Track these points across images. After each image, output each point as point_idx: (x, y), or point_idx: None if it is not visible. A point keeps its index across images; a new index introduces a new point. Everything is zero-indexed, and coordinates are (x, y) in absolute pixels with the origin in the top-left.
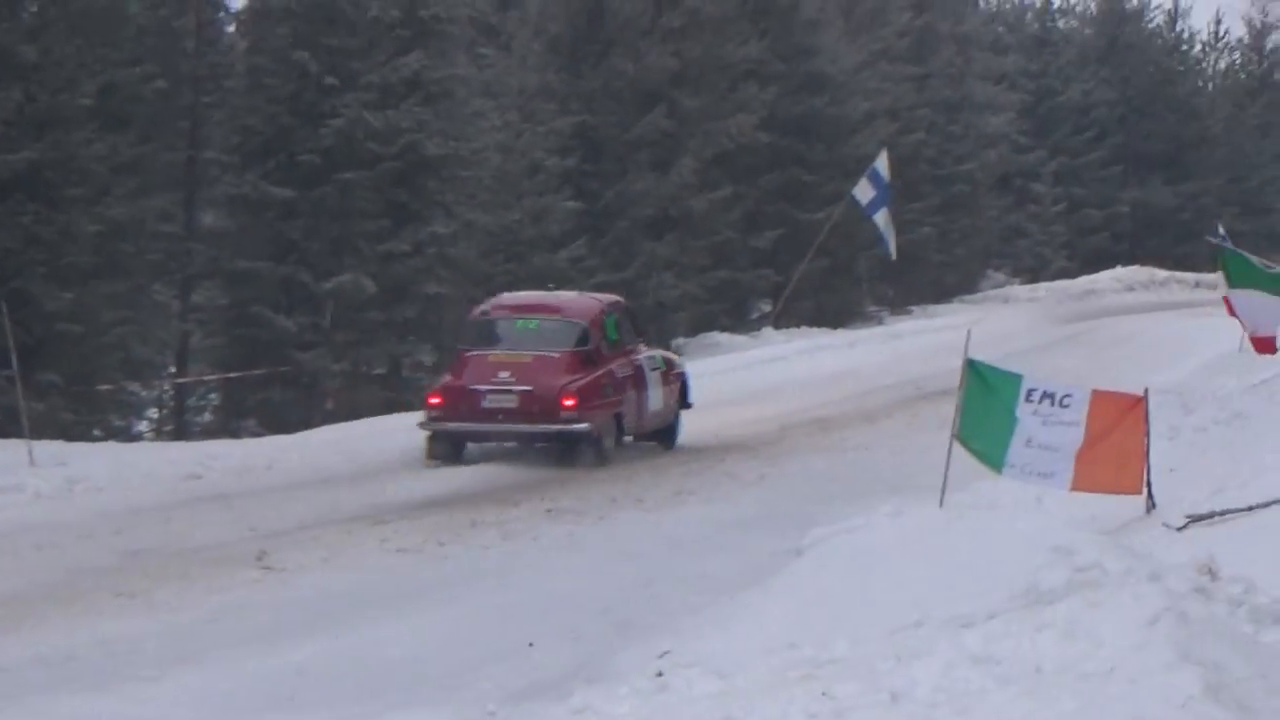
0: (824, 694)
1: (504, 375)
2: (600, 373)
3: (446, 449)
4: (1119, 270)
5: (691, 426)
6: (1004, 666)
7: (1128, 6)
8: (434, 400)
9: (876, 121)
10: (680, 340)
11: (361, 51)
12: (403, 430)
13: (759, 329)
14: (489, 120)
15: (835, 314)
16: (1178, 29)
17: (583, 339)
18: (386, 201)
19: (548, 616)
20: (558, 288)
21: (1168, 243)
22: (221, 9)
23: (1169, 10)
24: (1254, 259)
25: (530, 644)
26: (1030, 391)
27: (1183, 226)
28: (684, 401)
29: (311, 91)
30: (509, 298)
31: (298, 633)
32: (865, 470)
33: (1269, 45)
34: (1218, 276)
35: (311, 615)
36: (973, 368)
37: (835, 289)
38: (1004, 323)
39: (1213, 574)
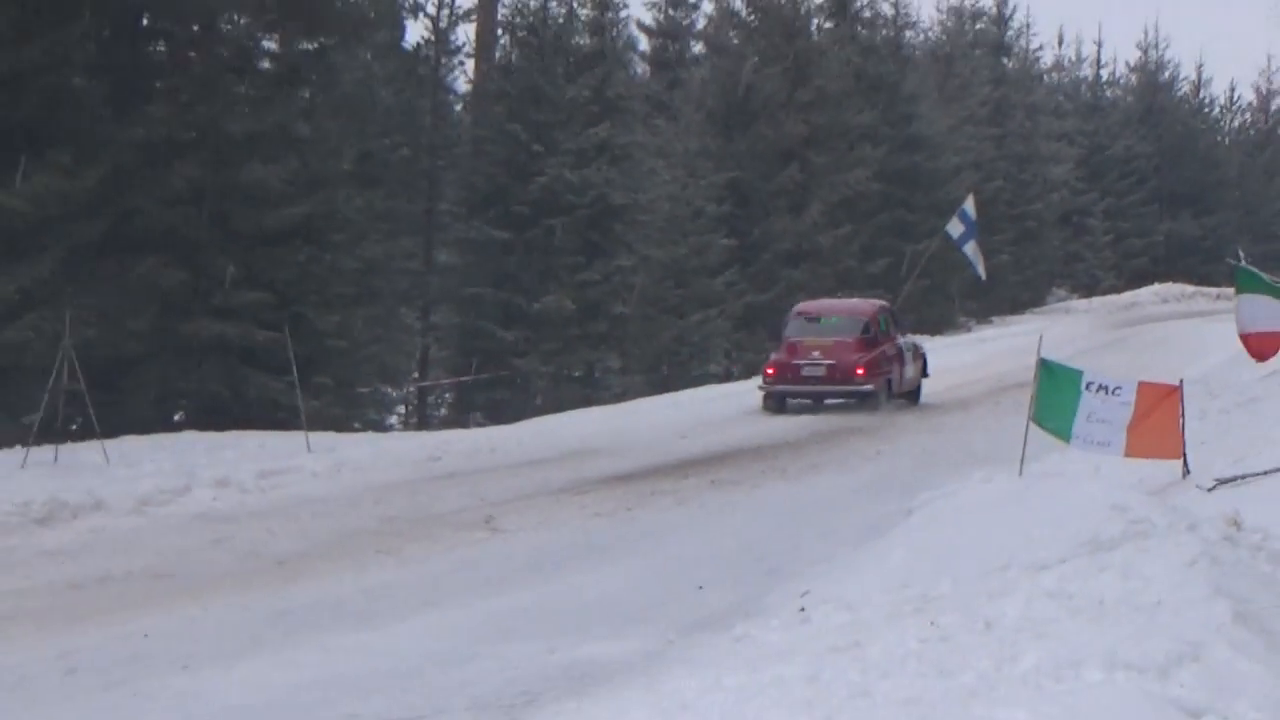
0: (932, 623)
1: (815, 354)
2: (878, 352)
3: (776, 404)
4: (1156, 286)
5: (821, 412)
6: (1074, 600)
7: (1161, 79)
8: (769, 371)
9: (964, 172)
10: None
11: (561, 124)
12: (591, 421)
13: None
14: (660, 176)
15: (933, 323)
16: (1200, 96)
17: (866, 329)
18: (582, 240)
19: (712, 565)
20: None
21: (1194, 264)
22: (451, 92)
23: (1193, 81)
24: (1263, 274)
25: (700, 587)
26: (1089, 384)
27: (1206, 252)
28: (924, 373)
29: (522, 156)
30: (812, 304)
31: (518, 580)
32: (960, 446)
33: (1273, 107)
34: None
35: (528, 566)
36: (1044, 364)
37: (933, 304)
38: (1066, 329)
39: (1238, 525)
